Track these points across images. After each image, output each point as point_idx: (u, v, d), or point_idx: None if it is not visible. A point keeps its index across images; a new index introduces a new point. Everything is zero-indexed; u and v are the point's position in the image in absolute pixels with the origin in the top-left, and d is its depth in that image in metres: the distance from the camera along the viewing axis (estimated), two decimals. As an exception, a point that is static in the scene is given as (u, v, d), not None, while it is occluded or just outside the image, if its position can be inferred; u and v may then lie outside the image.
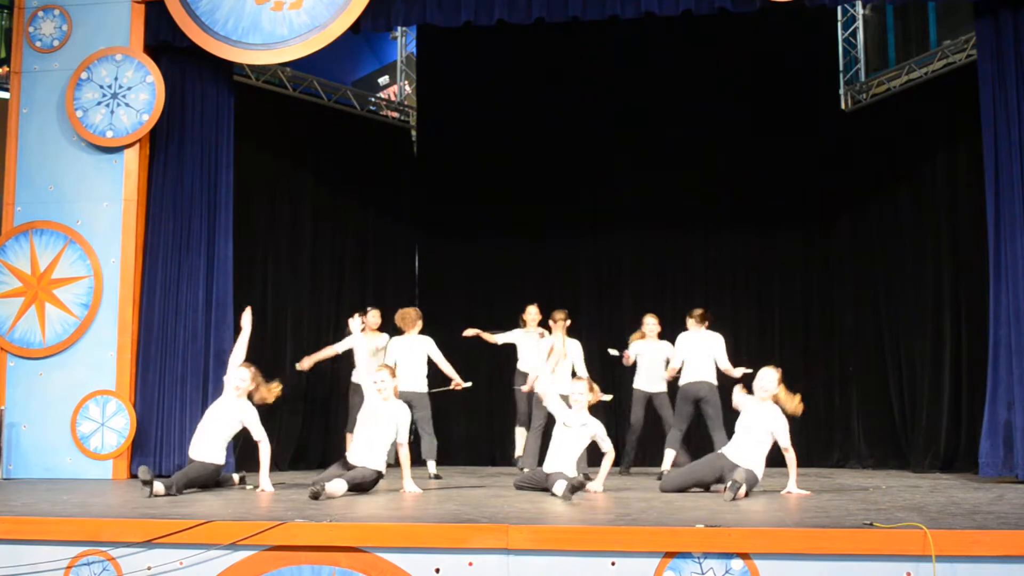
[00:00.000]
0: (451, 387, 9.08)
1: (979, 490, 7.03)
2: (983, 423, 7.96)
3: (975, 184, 8.70)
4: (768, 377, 7.00)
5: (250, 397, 7.52)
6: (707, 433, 8.72)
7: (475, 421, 11.49)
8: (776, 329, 11.24)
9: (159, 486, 6.68)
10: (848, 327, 11.02)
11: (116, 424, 8.65)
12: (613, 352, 9.38)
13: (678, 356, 8.73)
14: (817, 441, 10.87)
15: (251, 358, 9.84)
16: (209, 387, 8.74)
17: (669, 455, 8.59)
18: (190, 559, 4.74)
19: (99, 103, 9.00)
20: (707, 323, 8.74)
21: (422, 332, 9.07)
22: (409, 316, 8.99)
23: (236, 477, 7.83)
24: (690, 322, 8.82)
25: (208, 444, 7.40)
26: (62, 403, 8.71)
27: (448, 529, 4.74)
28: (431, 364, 8.99)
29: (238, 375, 7.49)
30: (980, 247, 8.51)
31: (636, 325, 9.48)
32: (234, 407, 7.47)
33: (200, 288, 8.96)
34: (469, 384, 9.14)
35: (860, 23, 11.60)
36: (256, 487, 7.30)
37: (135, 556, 4.79)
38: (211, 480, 7.41)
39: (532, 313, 9.50)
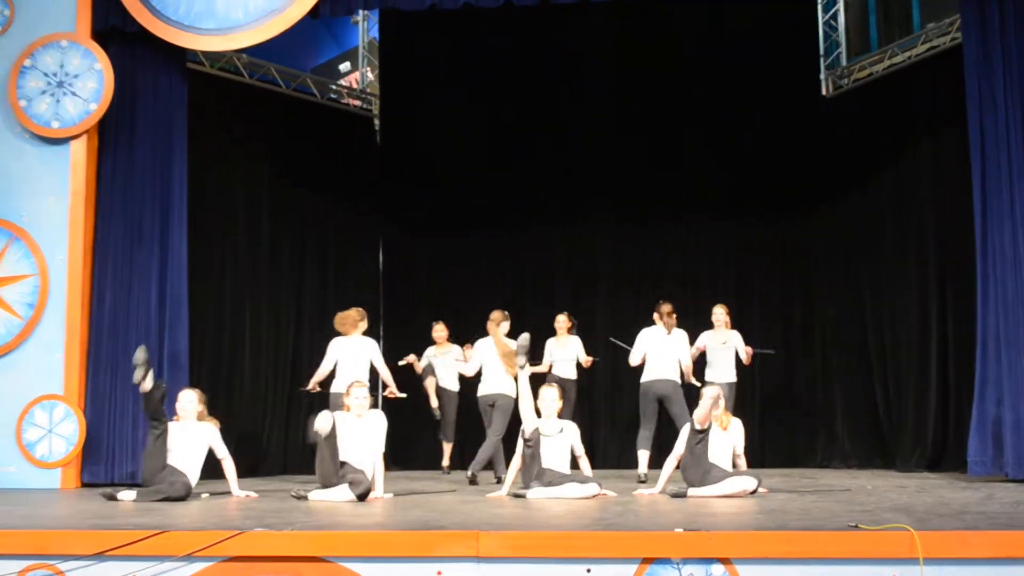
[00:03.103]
0: (385, 394, 8.73)
1: (968, 489, 6.99)
2: (971, 420, 7.92)
3: (960, 171, 8.65)
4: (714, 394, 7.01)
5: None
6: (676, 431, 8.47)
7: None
8: (755, 322, 11.00)
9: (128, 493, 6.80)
10: (830, 320, 10.96)
11: (64, 431, 8.46)
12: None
13: (638, 351, 8.53)
14: (800, 440, 10.90)
15: (208, 357, 9.77)
16: (164, 391, 8.48)
17: (643, 456, 8.42)
18: (144, 572, 4.57)
19: (44, 92, 8.84)
20: (674, 320, 8.51)
21: (366, 333, 8.63)
22: (349, 318, 8.52)
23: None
24: (656, 317, 8.58)
25: (186, 471, 7.12)
26: (6, 409, 8.52)
27: (415, 536, 4.63)
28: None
29: (186, 398, 7.31)
30: (966, 236, 8.42)
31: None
32: (196, 432, 7.26)
33: (153, 285, 8.81)
34: (404, 396, 8.77)
35: (841, 5, 11.48)
36: (212, 495, 7.22)
37: (85, 569, 4.60)
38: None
39: (561, 321, 9.50)
